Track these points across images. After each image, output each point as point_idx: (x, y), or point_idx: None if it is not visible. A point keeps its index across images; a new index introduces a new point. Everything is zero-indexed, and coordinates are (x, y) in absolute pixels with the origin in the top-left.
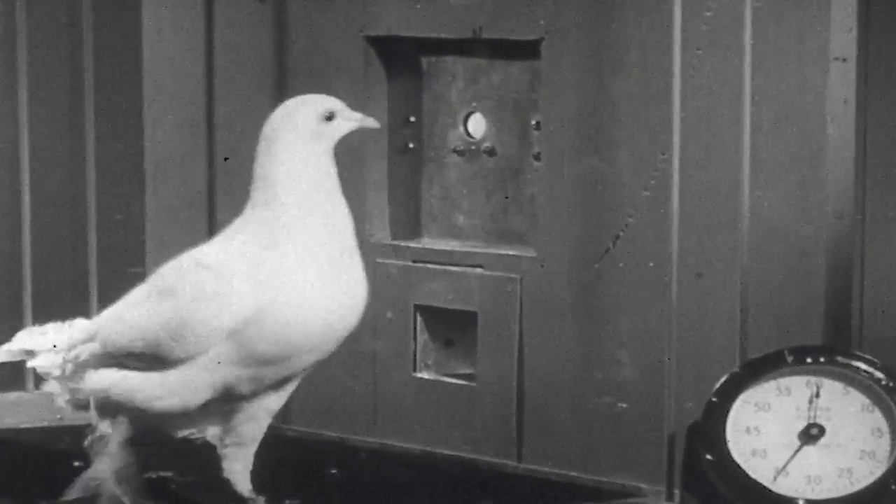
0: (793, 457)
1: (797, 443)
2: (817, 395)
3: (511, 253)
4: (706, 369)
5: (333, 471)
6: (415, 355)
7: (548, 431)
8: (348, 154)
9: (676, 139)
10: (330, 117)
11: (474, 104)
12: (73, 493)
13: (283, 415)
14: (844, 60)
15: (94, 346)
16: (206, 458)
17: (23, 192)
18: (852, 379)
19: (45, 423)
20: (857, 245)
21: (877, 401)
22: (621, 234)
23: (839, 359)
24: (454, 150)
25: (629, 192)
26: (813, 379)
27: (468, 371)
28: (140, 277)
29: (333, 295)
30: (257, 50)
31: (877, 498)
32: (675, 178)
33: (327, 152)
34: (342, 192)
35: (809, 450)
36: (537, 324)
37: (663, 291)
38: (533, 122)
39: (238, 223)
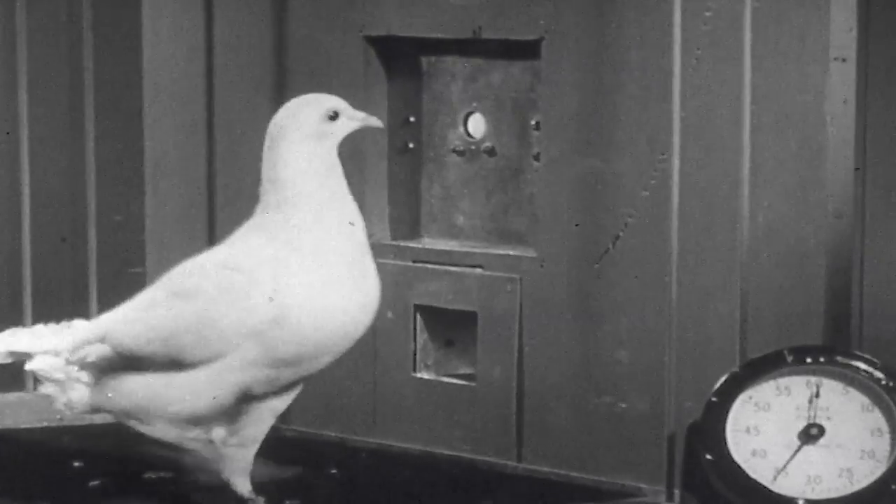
0: (793, 457)
1: (797, 443)
2: (817, 395)
3: (511, 253)
4: (706, 369)
5: (333, 471)
6: (415, 355)
7: (548, 431)
8: (348, 154)
9: (676, 139)
10: (334, 116)
11: (474, 104)
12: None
13: (283, 415)
14: (844, 60)
15: (104, 349)
16: (206, 458)
17: (23, 192)
18: (852, 379)
19: (45, 423)
20: (856, 245)
21: (877, 400)
22: (621, 234)
23: (839, 359)
24: (454, 150)
25: (629, 193)
26: (813, 379)
27: (468, 371)
28: (140, 277)
29: (352, 294)
30: (257, 50)
31: (877, 498)
32: (675, 178)
33: (332, 151)
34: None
35: (809, 450)
36: (537, 324)
37: (663, 291)
38: (533, 122)
39: (250, 225)
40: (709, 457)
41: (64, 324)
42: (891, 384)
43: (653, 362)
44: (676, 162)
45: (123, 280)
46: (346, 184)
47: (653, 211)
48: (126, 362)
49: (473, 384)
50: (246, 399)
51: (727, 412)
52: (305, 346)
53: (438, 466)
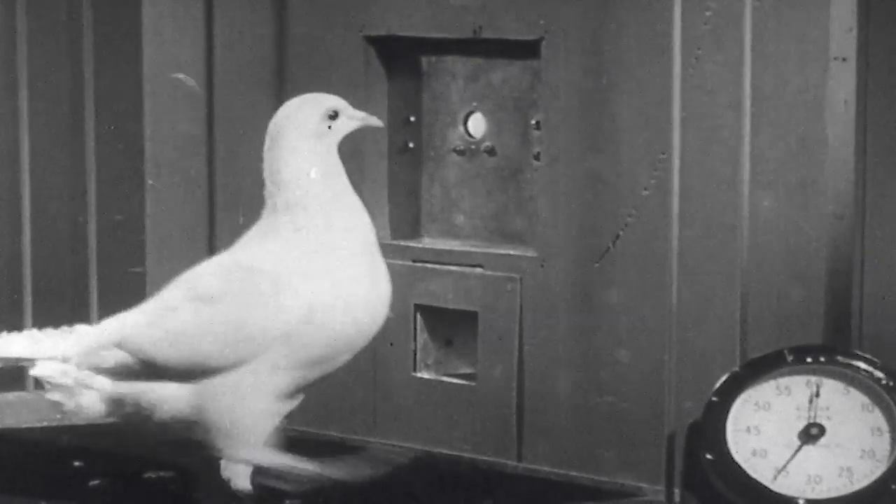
0: (793, 456)
1: (797, 442)
2: (817, 395)
3: (511, 252)
4: (706, 369)
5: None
6: (415, 355)
7: (548, 431)
8: (348, 153)
9: (676, 139)
10: (333, 115)
11: (474, 104)
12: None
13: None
14: (844, 60)
15: (121, 355)
16: (206, 458)
17: (23, 192)
18: (852, 378)
19: (45, 423)
20: (856, 245)
21: (877, 400)
22: (621, 233)
23: (839, 358)
24: (454, 150)
25: (629, 192)
26: (813, 378)
27: (468, 371)
28: (140, 277)
29: (370, 290)
30: (257, 50)
31: (877, 497)
32: (675, 177)
33: (332, 150)
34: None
35: (809, 449)
36: (537, 323)
37: (663, 291)
38: (533, 122)
39: (260, 228)
40: (709, 456)
41: (65, 329)
42: (891, 384)
43: (653, 362)
44: (676, 161)
45: (123, 280)
46: (349, 182)
47: (653, 210)
48: (146, 368)
49: (474, 384)
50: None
51: (727, 412)
52: (331, 345)
53: (438, 466)
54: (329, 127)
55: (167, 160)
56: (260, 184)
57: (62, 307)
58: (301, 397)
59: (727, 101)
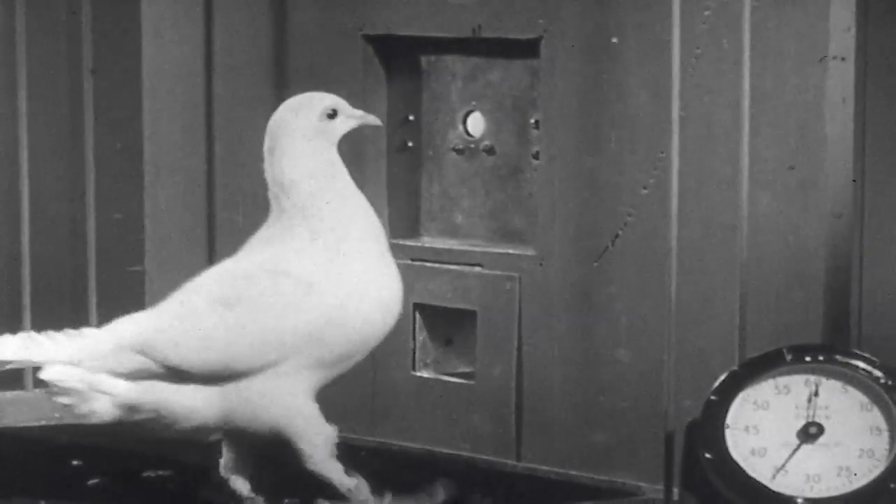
0: (792, 455)
1: (796, 441)
2: (816, 394)
3: (510, 251)
4: (705, 368)
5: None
6: (414, 354)
7: (547, 430)
8: (347, 153)
9: (675, 138)
10: (332, 114)
11: (473, 103)
12: None
13: None
14: (843, 59)
15: (140, 359)
16: (206, 458)
17: (22, 192)
18: (851, 378)
19: (45, 423)
20: (855, 244)
21: (876, 399)
22: (620, 232)
23: (838, 357)
24: (453, 149)
25: (628, 191)
26: (812, 377)
27: (467, 370)
28: (139, 276)
29: (387, 287)
30: (257, 49)
31: (876, 496)
32: (674, 176)
33: (332, 149)
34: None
35: (808, 448)
36: (536, 322)
37: (662, 290)
38: (532, 121)
39: (270, 231)
40: (708, 455)
41: (70, 331)
42: (890, 383)
43: (652, 361)
44: (676, 161)
45: (123, 279)
46: (352, 180)
47: (652, 209)
48: (168, 373)
49: (473, 383)
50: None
51: (726, 411)
52: (352, 344)
53: (438, 466)
54: (328, 126)
55: (167, 160)
56: (260, 183)
57: (61, 307)
58: None
59: (726, 100)
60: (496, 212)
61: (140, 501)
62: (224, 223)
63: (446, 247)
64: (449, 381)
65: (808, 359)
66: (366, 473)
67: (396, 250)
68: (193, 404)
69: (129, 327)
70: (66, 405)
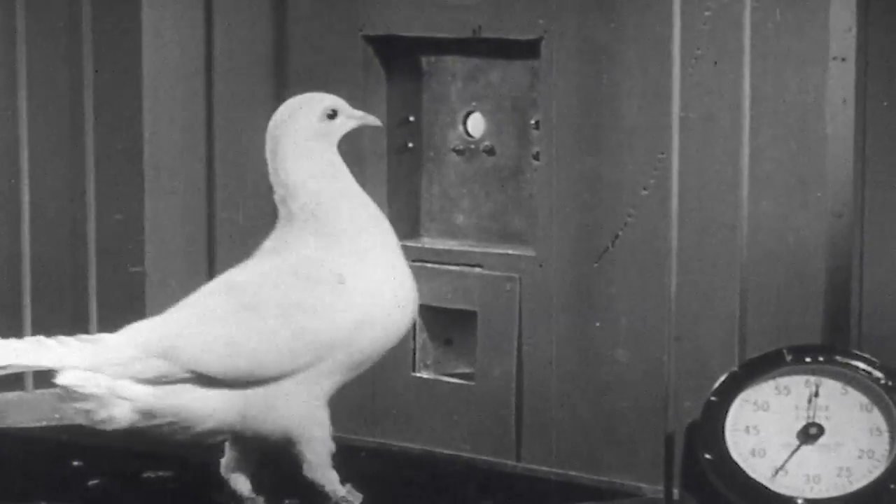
0: (791, 456)
1: (796, 442)
2: (816, 395)
3: (510, 252)
4: (705, 368)
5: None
6: (414, 355)
7: (547, 431)
8: (347, 153)
9: (675, 138)
10: (332, 115)
11: (473, 103)
12: None
13: None
14: (843, 60)
15: (163, 365)
16: (206, 458)
17: (22, 192)
18: (851, 378)
19: (45, 423)
20: (856, 244)
21: (876, 400)
22: (620, 233)
23: (838, 358)
24: (453, 150)
25: (628, 192)
26: (812, 378)
27: (467, 370)
28: (139, 277)
29: (406, 288)
30: (257, 50)
31: (875, 497)
32: (675, 177)
33: (333, 150)
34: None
35: (808, 449)
36: (536, 323)
37: (662, 291)
38: (532, 122)
39: (282, 235)
40: (708, 456)
41: (83, 336)
42: (890, 384)
43: (652, 361)
44: (676, 161)
45: (123, 280)
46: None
47: (652, 210)
48: (193, 378)
49: (473, 383)
50: None
51: (726, 411)
52: (375, 347)
53: (438, 466)
54: (328, 127)
55: (167, 160)
56: (259, 183)
57: (61, 307)
58: None
59: (726, 100)
60: (496, 212)
61: (140, 502)
62: (224, 223)
63: (446, 247)
64: (449, 382)
65: (808, 359)
66: (366, 474)
67: None
68: (212, 408)
69: (150, 332)
70: (82, 411)
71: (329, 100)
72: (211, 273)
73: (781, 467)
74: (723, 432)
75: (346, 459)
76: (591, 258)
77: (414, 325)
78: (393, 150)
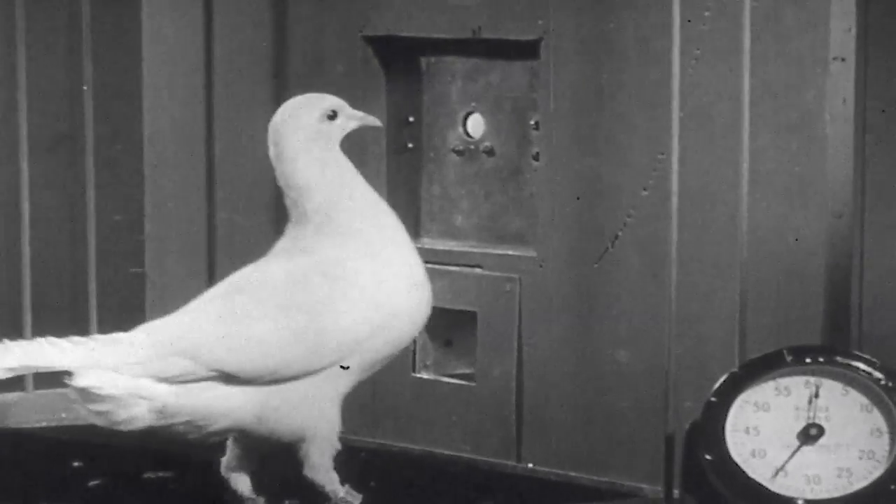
0: (792, 457)
1: (796, 443)
2: (816, 395)
3: (510, 253)
4: (705, 369)
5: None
6: (414, 355)
7: (547, 431)
8: (348, 154)
9: (675, 139)
10: (332, 115)
11: (473, 104)
12: None
13: None
14: (843, 60)
15: (187, 364)
16: (206, 458)
17: (21, 192)
18: (851, 379)
19: (45, 423)
20: (855, 244)
21: (876, 401)
22: (620, 233)
23: (838, 359)
24: (453, 150)
25: (628, 192)
26: (812, 379)
27: (467, 371)
28: (139, 277)
29: (424, 286)
30: (257, 50)
31: (876, 498)
32: (674, 177)
33: (336, 150)
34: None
35: (808, 450)
36: (536, 324)
37: (663, 291)
38: (532, 122)
39: (297, 235)
40: (708, 457)
41: (98, 336)
42: (890, 384)
43: (652, 362)
44: (675, 161)
45: (123, 280)
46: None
47: (652, 210)
48: (217, 377)
49: (473, 384)
50: None
51: (726, 412)
52: (394, 346)
53: (438, 466)
54: (329, 127)
55: (167, 160)
56: (260, 183)
57: (61, 307)
58: None
59: (726, 101)
60: (496, 213)
61: (140, 502)
62: (224, 223)
63: (446, 248)
64: (449, 383)
65: (808, 360)
66: (366, 474)
67: None
68: (230, 406)
69: (171, 331)
70: (100, 412)
71: (329, 100)
72: (211, 273)
73: (781, 468)
74: (723, 433)
75: (347, 459)
76: (591, 258)
77: None
78: (393, 151)
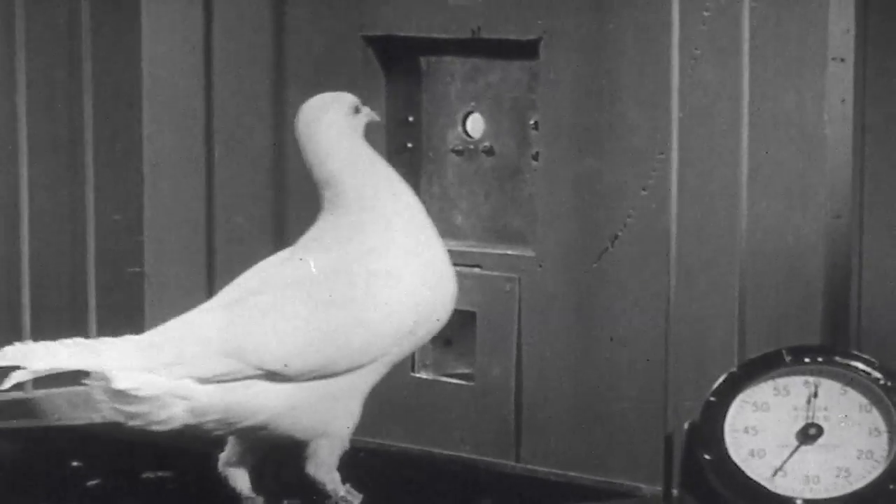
0: (791, 456)
1: (795, 442)
2: (815, 395)
3: (509, 253)
4: (704, 369)
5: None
6: (413, 355)
7: (546, 431)
8: None
9: (674, 139)
10: (357, 110)
11: (473, 104)
12: None
13: None
14: (842, 60)
15: (231, 363)
16: (206, 458)
17: (21, 192)
18: (850, 379)
19: (46, 423)
20: (855, 245)
21: (875, 400)
22: (619, 233)
23: (837, 358)
24: (453, 150)
25: (627, 192)
26: (811, 379)
27: (467, 371)
28: (139, 277)
29: (452, 282)
30: (257, 50)
31: (875, 498)
32: (674, 177)
33: (363, 142)
34: None
35: (807, 449)
36: (536, 323)
37: (662, 290)
38: (531, 122)
39: (332, 224)
40: (707, 457)
41: (129, 337)
42: (889, 384)
43: (652, 362)
44: (675, 162)
45: (122, 281)
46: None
47: (651, 210)
48: (262, 375)
49: (472, 384)
50: None
51: (725, 412)
52: (424, 340)
53: (438, 466)
54: (356, 121)
55: (167, 160)
56: (259, 183)
57: (61, 307)
58: None
59: (725, 101)
60: (495, 213)
61: (140, 502)
62: (223, 224)
63: (446, 248)
64: (448, 383)
65: (807, 360)
66: (366, 474)
67: None
68: (265, 404)
69: (210, 330)
70: (137, 414)
71: (351, 96)
72: (210, 273)
73: (780, 468)
74: (722, 433)
75: (347, 459)
76: (591, 258)
77: None
78: (392, 151)
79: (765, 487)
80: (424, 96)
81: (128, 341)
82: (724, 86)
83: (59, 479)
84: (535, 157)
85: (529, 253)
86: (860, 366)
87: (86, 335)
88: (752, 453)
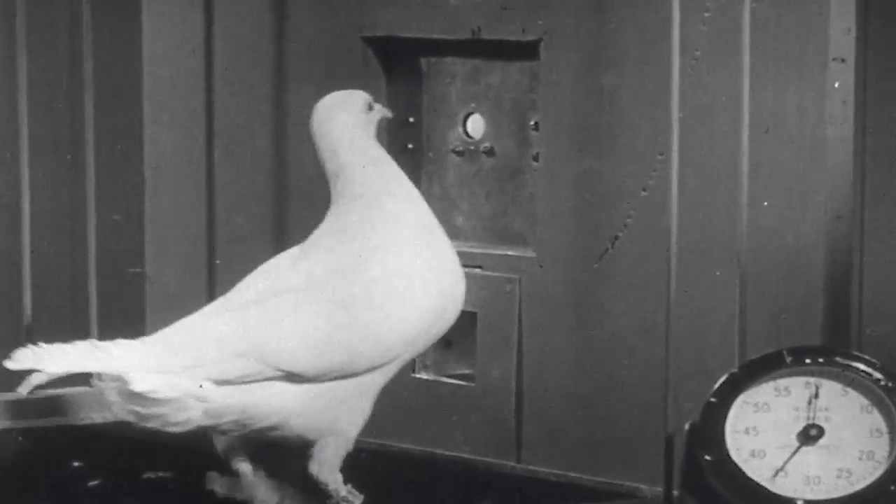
0: (791, 457)
1: (796, 443)
2: (816, 396)
3: (510, 253)
4: (705, 370)
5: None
6: None
7: (547, 432)
8: None
9: (675, 139)
10: (370, 107)
11: (473, 105)
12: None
13: None
14: (843, 61)
15: (250, 364)
16: (206, 457)
17: (22, 192)
18: (851, 379)
19: (46, 423)
20: (855, 245)
21: (876, 401)
22: (620, 234)
23: (838, 359)
24: (453, 151)
25: (628, 193)
26: (812, 379)
27: (467, 371)
28: (139, 277)
29: (462, 280)
30: (257, 50)
31: (876, 498)
32: (674, 178)
33: (375, 139)
34: None
35: (808, 450)
36: (536, 324)
37: (662, 291)
38: (531, 123)
39: (343, 221)
40: (708, 457)
41: (145, 339)
42: (890, 385)
43: (652, 363)
44: (675, 162)
45: (122, 280)
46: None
47: (652, 211)
48: (281, 376)
49: (472, 385)
50: None
51: (726, 413)
52: (437, 339)
53: (438, 466)
54: (370, 117)
55: (167, 160)
56: (259, 184)
57: (61, 308)
58: None
59: (726, 101)
60: (496, 214)
61: (140, 502)
62: (224, 224)
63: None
64: (449, 383)
65: (807, 361)
66: (366, 474)
67: None
68: (282, 405)
69: (227, 331)
70: (154, 416)
71: (364, 94)
72: (210, 274)
73: (781, 468)
74: (723, 433)
75: (348, 460)
76: (591, 259)
77: None
78: (393, 152)
79: (765, 488)
80: (425, 97)
81: (143, 343)
82: (724, 86)
83: (60, 479)
84: (536, 158)
85: (530, 253)
86: (861, 366)
87: (86, 335)
88: (752, 454)
